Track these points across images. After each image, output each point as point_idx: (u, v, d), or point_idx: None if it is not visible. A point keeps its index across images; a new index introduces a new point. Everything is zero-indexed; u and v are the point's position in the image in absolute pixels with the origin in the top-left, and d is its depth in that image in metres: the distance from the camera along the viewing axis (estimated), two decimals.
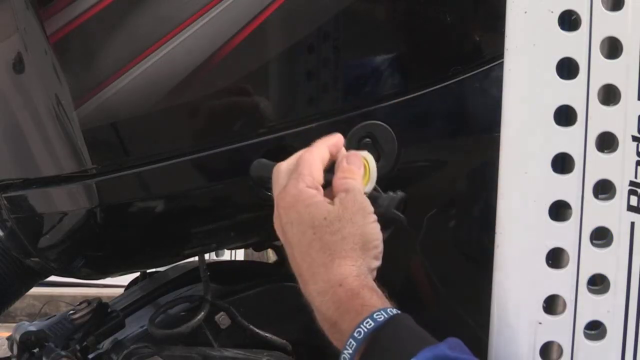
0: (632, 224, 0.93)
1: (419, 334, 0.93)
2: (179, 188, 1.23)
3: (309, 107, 1.21)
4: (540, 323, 0.96)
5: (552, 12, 0.93)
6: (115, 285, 2.00)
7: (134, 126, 1.17)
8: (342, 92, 1.22)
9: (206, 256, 1.42)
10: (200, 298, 1.35)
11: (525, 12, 0.94)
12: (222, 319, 1.34)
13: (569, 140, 0.94)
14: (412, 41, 1.26)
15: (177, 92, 1.15)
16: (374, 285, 0.99)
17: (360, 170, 1.06)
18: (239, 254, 3.10)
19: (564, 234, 0.95)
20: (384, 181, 1.10)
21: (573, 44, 0.93)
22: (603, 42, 0.93)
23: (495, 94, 1.16)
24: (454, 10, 1.24)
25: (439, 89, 1.23)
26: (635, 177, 0.93)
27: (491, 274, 0.99)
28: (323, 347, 1.04)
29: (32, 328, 1.47)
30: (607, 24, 0.92)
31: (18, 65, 1.18)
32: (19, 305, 3.03)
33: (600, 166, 0.94)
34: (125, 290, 1.69)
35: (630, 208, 0.93)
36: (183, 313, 1.36)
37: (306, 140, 1.17)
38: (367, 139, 1.18)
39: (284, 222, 1.03)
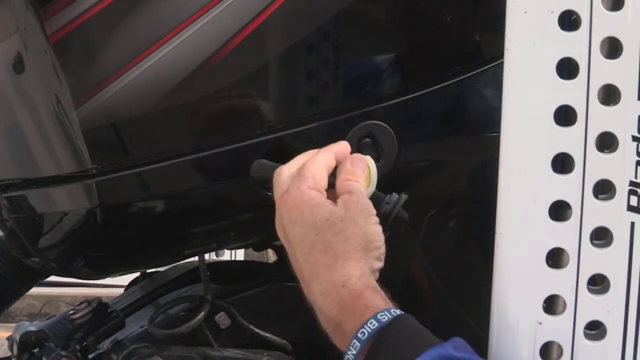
0: (632, 224, 0.93)
1: (423, 334, 0.93)
2: (179, 188, 1.23)
3: (309, 107, 1.21)
4: (540, 323, 0.96)
5: (552, 12, 0.93)
6: (115, 285, 2.00)
7: (134, 126, 1.17)
8: (342, 92, 1.22)
9: (206, 256, 1.42)
10: (200, 298, 1.35)
11: (525, 12, 0.94)
12: (222, 319, 1.34)
13: (569, 140, 0.94)
14: (412, 41, 1.26)
15: (177, 92, 1.15)
16: (377, 286, 0.99)
17: (364, 173, 1.06)
18: (239, 254, 3.11)
19: (564, 234, 0.95)
20: (384, 181, 1.10)
21: (573, 44, 0.93)
22: (603, 42, 0.93)
23: (495, 94, 1.17)
24: (454, 10, 1.24)
25: (438, 89, 1.23)
26: (635, 177, 0.93)
27: (491, 274, 0.99)
28: (323, 347, 1.04)
29: (32, 328, 1.47)
30: (607, 24, 0.92)
31: (18, 65, 1.18)
32: (19, 305, 3.02)
33: (600, 166, 0.94)
34: (125, 290, 1.69)
35: (630, 208, 0.93)
36: (183, 313, 1.36)
37: (306, 140, 1.18)
38: (367, 139, 1.18)
39: (285, 222, 1.03)
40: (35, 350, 1.42)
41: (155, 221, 1.25)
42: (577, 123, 0.94)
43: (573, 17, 0.93)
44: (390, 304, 0.96)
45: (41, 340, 1.42)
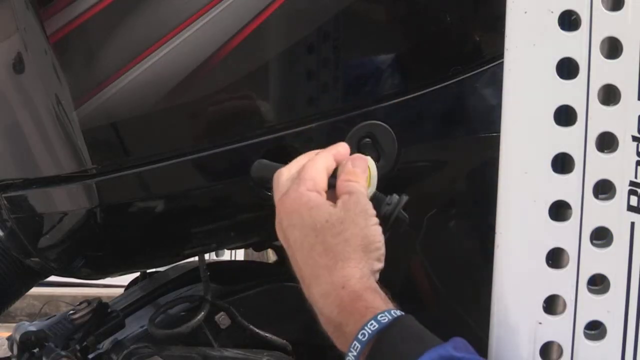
0: (632, 224, 0.93)
1: (424, 335, 0.93)
2: (179, 188, 1.23)
3: (309, 107, 1.21)
4: (540, 323, 0.96)
5: (552, 12, 0.93)
6: (115, 285, 2.00)
7: (134, 126, 1.17)
8: (342, 92, 1.22)
9: (206, 256, 1.42)
10: (200, 298, 1.35)
11: (525, 12, 0.94)
12: (222, 319, 1.34)
13: (569, 140, 0.94)
14: (412, 41, 1.26)
15: (177, 92, 1.15)
16: (377, 287, 0.99)
17: (365, 173, 1.06)
18: (239, 254, 3.11)
19: (564, 234, 0.95)
20: (384, 181, 1.10)
21: (573, 44, 0.93)
22: (603, 42, 0.92)
23: (495, 94, 1.17)
24: (454, 10, 1.24)
25: (438, 89, 1.23)
26: (635, 177, 0.93)
27: (491, 274, 0.99)
28: (323, 347, 1.04)
29: (32, 328, 1.48)
30: (607, 24, 0.92)
31: (18, 65, 1.18)
32: (19, 305, 3.02)
33: (600, 166, 0.94)
34: (125, 290, 1.69)
35: (630, 208, 0.93)
36: (183, 313, 1.36)
37: (306, 140, 1.18)
38: (367, 139, 1.18)
39: (285, 225, 1.03)
40: (35, 350, 1.42)
41: (155, 221, 1.25)
42: (577, 123, 0.94)
43: (573, 17, 0.93)
44: (390, 305, 0.96)
45: (41, 340, 1.42)
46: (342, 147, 1.09)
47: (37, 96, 1.18)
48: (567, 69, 0.94)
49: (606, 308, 0.95)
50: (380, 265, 1.02)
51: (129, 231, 1.26)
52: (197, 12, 1.12)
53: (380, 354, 0.92)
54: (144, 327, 1.35)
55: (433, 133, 1.29)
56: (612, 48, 0.93)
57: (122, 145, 1.18)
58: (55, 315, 1.58)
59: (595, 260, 0.95)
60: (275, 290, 1.40)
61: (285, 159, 1.10)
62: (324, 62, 1.19)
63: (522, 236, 0.96)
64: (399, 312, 0.95)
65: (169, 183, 1.21)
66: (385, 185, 1.09)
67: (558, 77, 0.94)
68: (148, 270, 1.67)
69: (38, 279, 1.58)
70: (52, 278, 1.57)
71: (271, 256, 1.87)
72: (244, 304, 1.36)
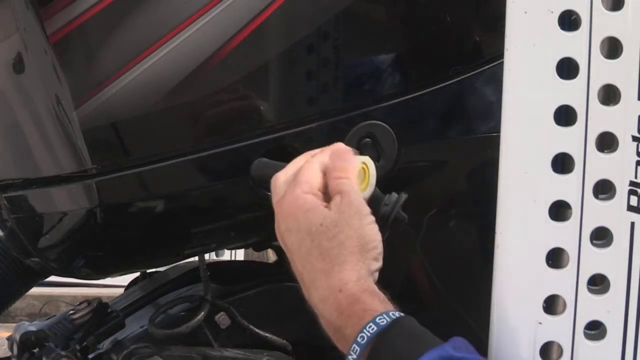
0: (632, 224, 0.93)
1: (423, 335, 0.93)
2: (179, 188, 1.23)
3: (309, 107, 1.21)
4: (540, 323, 0.96)
5: (552, 12, 0.93)
6: (115, 285, 2.00)
7: (134, 126, 1.17)
8: (342, 92, 1.22)
9: (206, 256, 1.42)
10: (200, 298, 1.35)
11: (525, 12, 0.94)
12: (222, 319, 1.34)
13: (569, 140, 0.94)
14: (412, 41, 1.26)
15: (177, 92, 1.15)
16: (375, 288, 0.99)
17: (353, 167, 1.05)
18: (239, 254, 3.11)
19: (564, 234, 0.95)
20: (384, 181, 1.10)
21: (573, 44, 0.93)
22: (603, 42, 0.92)
23: (495, 94, 1.17)
24: (454, 10, 1.24)
25: (439, 89, 1.23)
26: (635, 177, 0.93)
27: (491, 274, 0.99)
28: (323, 347, 1.04)
29: (32, 328, 1.47)
30: (607, 24, 0.92)
31: (18, 65, 1.18)
32: (19, 305, 3.02)
33: (600, 166, 0.94)
34: (125, 290, 1.69)
35: (630, 208, 0.93)
36: (183, 313, 1.36)
37: (306, 140, 1.18)
38: (367, 139, 1.18)
39: (283, 229, 1.03)
40: (35, 350, 1.42)
41: (155, 221, 1.25)
42: (577, 123, 0.94)
43: (573, 17, 0.93)
44: (389, 306, 0.96)
45: (41, 340, 1.42)
46: (339, 147, 1.08)
47: (37, 96, 1.18)
48: (567, 69, 0.93)
49: (606, 308, 0.94)
50: (378, 264, 1.01)
51: (129, 231, 1.26)
52: (197, 12, 1.12)
53: (380, 356, 0.92)
54: (144, 327, 1.35)
55: (433, 133, 1.29)
56: (612, 48, 0.93)
57: (122, 145, 1.18)
58: (55, 315, 1.58)
59: (595, 260, 0.95)
60: (275, 290, 1.40)
61: (286, 159, 1.10)
62: (324, 62, 1.19)
63: (522, 236, 0.96)
64: (397, 314, 0.94)
65: (169, 183, 1.21)
66: (385, 185, 1.09)
67: (558, 77, 0.94)
68: (148, 270, 1.67)
69: (38, 279, 1.58)
70: (52, 278, 1.57)
71: (271, 256, 1.87)
72: (244, 304, 1.36)
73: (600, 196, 0.94)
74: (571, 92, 0.93)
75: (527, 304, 0.96)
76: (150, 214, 1.24)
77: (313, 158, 1.06)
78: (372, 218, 1.02)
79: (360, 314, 0.95)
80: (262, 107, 1.20)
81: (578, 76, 0.93)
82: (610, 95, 0.93)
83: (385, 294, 0.98)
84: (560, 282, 0.95)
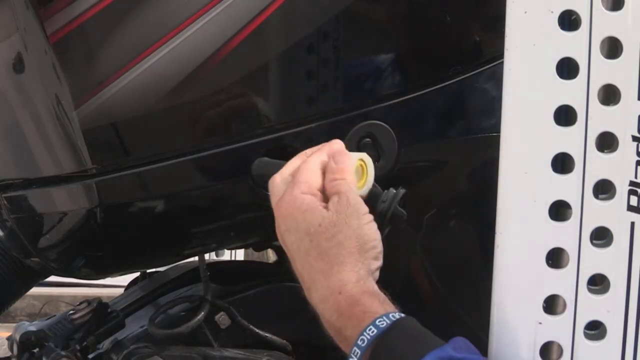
0: (632, 224, 0.93)
1: (423, 337, 0.93)
2: (179, 188, 1.23)
3: (309, 107, 1.21)
4: (540, 323, 0.96)
5: (552, 12, 0.93)
6: (115, 285, 2.00)
7: (134, 126, 1.17)
8: (342, 92, 1.22)
9: (206, 256, 1.42)
10: (200, 298, 1.35)
11: (525, 12, 0.94)
12: (222, 319, 1.34)
13: (569, 140, 0.94)
14: (412, 41, 1.26)
15: (177, 92, 1.15)
16: (375, 288, 0.98)
17: (350, 168, 1.05)
18: (239, 254, 3.11)
19: (564, 234, 0.95)
20: (384, 181, 1.10)
21: (573, 44, 0.93)
22: (603, 42, 0.92)
23: (495, 94, 1.17)
24: (454, 10, 1.24)
25: (438, 89, 1.23)
26: (635, 177, 0.93)
27: (491, 274, 0.99)
28: (323, 347, 1.04)
29: (32, 328, 1.47)
30: (607, 24, 0.92)
31: (18, 65, 1.18)
32: (19, 305, 3.03)
33: (600, 166, 0.94)
34: (125, 290, 1.69)
35: (630, 208, 0.93)
36: (183, 313, 1.36)
37: (306, 140, 1.18)
38: (367, 139, 1.18)
39: (282, 230, 1.03)
40: (35, 350, 1.42)
41: (155, 221, 1.25)
42: (577, 123, 0.94)
43: (573, 17, 0.93)
44: (389, 307, 0.96)
45: (41, 340, 1.42)
46: (336, 144, 1.08)
47: (37, 96, 1.18)
48: (567, 69, 0.93)
49: (606, 308, 0.94)
50: (378, 263, 1.01)
51: (129, 231, 1.26)
52: (197, 12, 1.12)
53: (380, 358, 0.92)
54: (144, 327, 1.35)
55: (433, 133, 1.29)
56: (612, 48, 0.93)
57: (122, 145, 1.18)
58: (55, 315, 1.58)
59: (595, 260, 0.95)
60: (275, 290, 1.40)
61: (286, 159, 1.10)
62: (323, 62, 1.19)
63: (522, 236, 0.96)
64: (397, 315, 0.94)
65: (169, 183, 1.21)
66: (385, 185, 1.09)
67: (558, 77, 0.94)
68: (148, 270, 1.67)
69: (38, 279, 1.58)
70: (52, 278, 1.57)
71: (271, 256, 1.87)
72: (244, 304, 1.36)
73: (600, 196, 0.94)
74: (571, 92, 0.93)
75: (527, 304, 0.96)
76: (150, 214, 1.24)
77: (310, 157, 1.06)
78: (371, 217, 1.02)
79: (360, 316, 0.95)
80: (262, 107, 1.20)
81: (578, 76, 0.93)
82: (610, 95, 0.93)
83: (385, 293, 0.98)
84: (560, 282, 0.95)
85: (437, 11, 1.24)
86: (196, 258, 1.41)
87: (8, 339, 1.54)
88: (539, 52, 0.94)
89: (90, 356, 1.37)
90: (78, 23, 1.12)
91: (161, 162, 1.18)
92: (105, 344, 1.37)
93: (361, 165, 1.07)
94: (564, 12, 0.93)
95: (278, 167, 1.08)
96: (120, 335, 1.39)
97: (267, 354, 1.30)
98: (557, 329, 0.96)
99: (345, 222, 1.00)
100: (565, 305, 0.95)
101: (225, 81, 1.17)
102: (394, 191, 1.06)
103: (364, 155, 1.08)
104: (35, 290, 1.74)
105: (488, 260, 0.99)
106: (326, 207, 1.01)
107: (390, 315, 0.94)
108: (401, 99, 1.22)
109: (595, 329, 0.96)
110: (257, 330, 1.34)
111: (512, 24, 0.95)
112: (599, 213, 0.94)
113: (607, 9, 0.92)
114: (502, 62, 0.97)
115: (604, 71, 0.92)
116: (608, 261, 0.94)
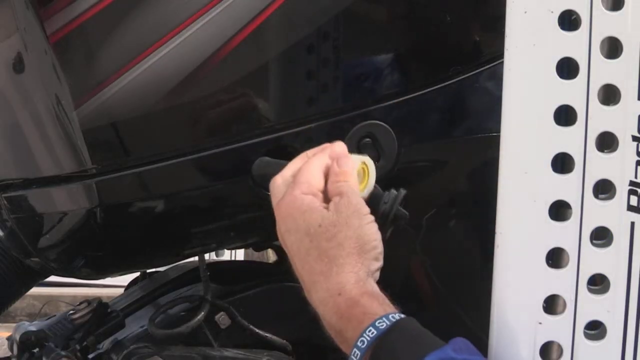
0: (632, 224, 0.93)
1: (423, 337, 0.93)
2: (179, 188, 1.23)
3: (309, 107, 1.21)
4: (540, 323, 0.96)
5: (552, 12, 0.93)
6: (115, 285, 2.01)
7: (134, 126, 1.17)
8: (342, 92, 1.22)
9: (206, 256, 1.42)
10: (200, 298, 1.35)
11: (525, 12, 0.94)
12: (222, 319, 1.34)
13: (569, 140, 0.94)
14: (412, 41, 1.26)
15: (177, 92, 1.15)
16: (375, 289, 0.98)
17: (353, 171, 1.05)
18: (239, 254, 3.11)
19: (564, 234, 0.95)
20: (384, 181, 1.10)
21: (573, 44, 0.93)
22: (603, 42, 0.92)
23: (495, 93, 1.17)
24: (454, 10, 1.24)
25: (438, 88, 1.23)
26: (635, 177, 0.93)
27: (491, 274, 0.99)
28: (323, 347, 1.04)
29: (32, 328, 1.48)
30: (607, 24, 0.92)
31: (18, 65, 1.18)
32: (19, 305, 3.03)
33: (600, 166, 0.94)
34: (125, 290, 1.69)
35: (630, 208, 0.93)
36: (183, 313, 1.36)
37: (306, 140, 1.18)
38: (367, 139, 1.18)
39: (282, 231, 1.03)
40: (35, 350, 1.42)
41: (155, 221, 1.25)
42: (577, 123, 0.94)
43: (573, 17, 0.93)
44: (389, 308, 0.96)
45: (41, 340, 1.42)
46: (338, 146, 1.08)
47: (37, 96, 1.18)
48: (567, 69, 0.93)
49: (606, 308, 0.94)
50: (378, 264, 1.01)
51: (129, 231, 1.26)
52: (197, 12, 1.12)
53: None
54: (144, 327, 1.35)
55: (433, 133, 1.29)
56: (612, 48, 0.93)
57: (122, 145, 1.18)
58: (55, 315, 1.58)
59: (595, 260, 0.95)
60: (275, 290, 1.40)
61: (286, 159, 1.10)
62: (323, 62, 1.19)
63: (522, 236, 0.96)
64: (397, 316, 0.94)
65: (169, 183, 1.21)
66: (385, 185, 1.09)
67: (558, 77, 0.94)
68: (148, 270, 1.67)
69: (38, 279, 1.58)
70: (52, 278, 1.57)
71: (271, 256, 1.87)
72: (244, 304, 1.36)
73: (600, 196, 0.94)
74: (571, 92, 0.93)
75: (527, 304, 0.96)
76: (150, 214, 1.24)
77: (312, 159, 1.06)
78: (372, 217, 1.02)
79: (360, 318, 0.95)
80: (262, 107, 1.20)
81: (578, 76, 0.93)
82: (610, 95, 0.93)
83: (385, 294, 0.98)
84: (560, 282, 0.95)
85: (437, 11, 1.24)
86: (196, 258, 1.41)
87: (8, 339, 1.54)
88: (539, 52, 0.94)
89: (90, 356, 1.37)
90: (78, 23, 1.12)
91: (161, 162, 1.18)
92: (105, 344, 1.37)
93: (363, 168, 1.07)
94: (564, 12, 0.93)
95: (279, 167, 1.08)
96: (120, 335, 1.39)
97: (267, 354, 1.30)
98: (557, 329, 0.96)
99: (345, 222, 1.00)
100: (565, 305, 0.95)
101: (225, 81, 1.17)
102: (395, 192, 1.06)
103: (366, 158, 1.09)
104: (35, 290, 1.74)
105: (488, 260, 0.99)
106: (326, 208, 1.01)
107: (390, 316, 0.94)
108: (401, 98, 1.22)
109: (595, 329, 0.96)
110: (257, 330, 1.34)
111: (512, 24, 0.95)
112: (599, 213, 0.94)
113: (607, 9, 0.92)
114: (502, 62, 0.97)
115: (604, 71, 0.92)
116: (608, 261, 0.94)
